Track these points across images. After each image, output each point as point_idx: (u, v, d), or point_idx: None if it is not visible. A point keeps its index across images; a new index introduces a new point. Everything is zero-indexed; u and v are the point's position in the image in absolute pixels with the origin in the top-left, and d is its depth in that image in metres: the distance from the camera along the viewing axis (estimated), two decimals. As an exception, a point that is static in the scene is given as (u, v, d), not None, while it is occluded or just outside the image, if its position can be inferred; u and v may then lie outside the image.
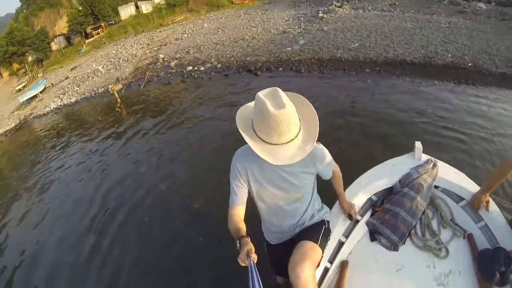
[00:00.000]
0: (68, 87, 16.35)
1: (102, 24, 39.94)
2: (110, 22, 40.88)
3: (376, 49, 10.23)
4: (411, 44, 10.39)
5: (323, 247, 1.80)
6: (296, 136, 1.43)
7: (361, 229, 2.53)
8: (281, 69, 9.83)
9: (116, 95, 9.71)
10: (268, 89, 1.46)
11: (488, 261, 2.22)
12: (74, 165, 7.01)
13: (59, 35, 39.43)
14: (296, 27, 14.12)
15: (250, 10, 22.87)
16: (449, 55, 9.64)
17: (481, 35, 11.61)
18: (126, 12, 39.45)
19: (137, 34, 25.00)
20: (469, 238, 2.48)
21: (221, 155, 4.64)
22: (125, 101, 10.03)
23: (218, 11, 26.73)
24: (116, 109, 9.41)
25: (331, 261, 2.25)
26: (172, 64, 11.96)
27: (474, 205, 2.50)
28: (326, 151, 1.84)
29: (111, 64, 17.02)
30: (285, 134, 1.40)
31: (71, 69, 21.51)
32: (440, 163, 2.78)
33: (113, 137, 7.79)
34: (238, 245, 1.52)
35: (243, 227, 1.66)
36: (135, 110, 9.04)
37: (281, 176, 1.72)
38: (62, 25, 40.72)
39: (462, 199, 2.67)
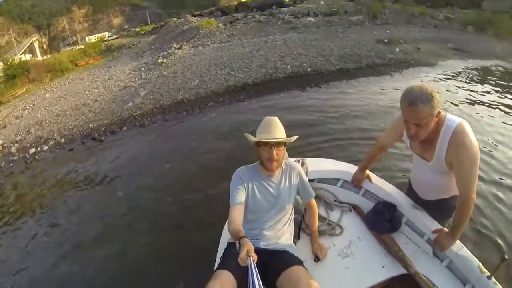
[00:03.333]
0: None
1: None
2: None
3: (217, 80, 11.07)
4: (251, 67, 11.40)
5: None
6: (279, 138, 2.11)
7: None
8: (125, 128, 9.93)
9: None
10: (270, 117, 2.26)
11: (375, 218, 2.50)
12: None
13: None
14: (137, 78, 14.48)
15: (94, 69, 22.69)
16: (288, 66, 11.02)
17: (314, 43, 13.51)
18: (-46, 91, 34.82)
19: (-30, 120, 22.49)
20: (355, 208, 2.75)
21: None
22: None
23: (62, 77, 25.75)
24: None
25: None
26: (13, 149, 11.10)
27: (356, 183, 2.83)
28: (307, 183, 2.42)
29: None
30: (272, 132, 2.12)
31: None
32: (307, 160, 3.09)
33: None
34: (237, 245, 1.68)
35: (242, 228, 1.90)
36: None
37: (270, 192, 2.23)
38: None
39: (338, 180, 2.98)
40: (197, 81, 11.40)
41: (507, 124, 6.40)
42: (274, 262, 2.02)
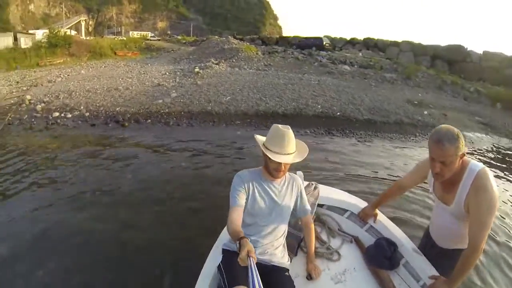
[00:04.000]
0: None
1: (-30, 48, 36.08)
2: (-20, 49, 37.02)
3: (248, 102, 11.41)
4: (282, 98, 11.78)
5: None
6: (292, 153, 2.13)
7: None
8: (149, 121, 10.24)
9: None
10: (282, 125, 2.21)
11: (375, 252, 2.53)
12: None
13: None
14: (171, 80, 14.98)
15: (131, 62, 23.53)
16: (319, 106, 11.39)
17: (347, 90, 13.91)
18: (2, 42, 36.09)
19: (9, 70, 23.29)
20: (356, 240, 2.78)
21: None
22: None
23: (99, 60, 26.80)
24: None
25: None
26: (39, 107, 11.51)
27: (362, 218, 2.86)
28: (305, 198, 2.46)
29: (-35, 96, 15.08)
30: (286, 147, 2.09)
31: None
32: (321, 186, 3.11)
33: None
34: (237, 245, 1.70)
35: (241, 229, 1.90)
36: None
37: (270, 196, 2.24)
38: None
39: (346, 211, 3.05)
40: (229, 97, 11.80)
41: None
42: (269, 281, 1.95)
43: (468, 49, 28.66)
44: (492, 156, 9.27)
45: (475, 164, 1.98)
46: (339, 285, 2.33)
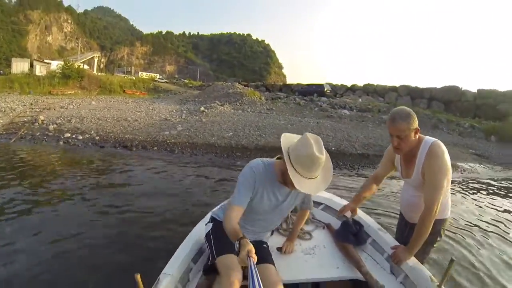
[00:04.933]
0: None
1: (-12, 69, 37.41)
2: (-2, 71, 38.38)
3: (249, 138, 11.98)
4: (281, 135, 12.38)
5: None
6: (317, 176, 1.91)
7: None
8: (156, 148, 10.83)
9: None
10: (313, 135, 1.96)
11: (341, 229, 2.71)
12: None
13: None
14: (177, 117, 15.80)
15: (139, 100, 24.75)
16: None
17: (343, 129, 14.47)
18: (19, 67, 37.51)
19: (22, 94, 24.25)
20: (329, 227, 2.99)
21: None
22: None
23: (109, 96, 27.97)
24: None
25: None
26: (51, 127, 12.21)
27: (342, 212, 2.75)
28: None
29: (-17, 110, 15.95)
30: (314, 172, 1.86)
31: None
32: None
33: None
34: (237, 245, 1.65)
35: (239, 228, 1.84)
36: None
37: (277, 199, 2.12)
38: None
39: (321, 204, 3.33)
40: (231, 133, 12.48)
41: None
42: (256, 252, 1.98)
43: (463, 89, 29.73)
44: (483, 181, 9.62)
45: (429, 138, 2.24)
46: (307, 256, 2.53)
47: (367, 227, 2.77)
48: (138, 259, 3.67)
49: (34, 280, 3.26)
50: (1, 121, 13.69)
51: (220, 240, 2.05)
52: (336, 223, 3.00)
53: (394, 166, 2.61)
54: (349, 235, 2.61)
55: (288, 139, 2.05)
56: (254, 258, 1.54)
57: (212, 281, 2.12)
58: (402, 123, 2.13)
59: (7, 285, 3.17)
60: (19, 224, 4.60)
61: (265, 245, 2.30)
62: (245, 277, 1.77)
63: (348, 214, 2.74)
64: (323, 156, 1.87)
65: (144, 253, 3.80)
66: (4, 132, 12.01)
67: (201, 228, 2.52)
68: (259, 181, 2.02)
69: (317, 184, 1.91)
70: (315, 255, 2.55)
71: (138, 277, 1.60)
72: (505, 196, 8.17)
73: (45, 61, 46.37)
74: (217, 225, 2.18)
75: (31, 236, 4.19)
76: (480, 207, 6.97)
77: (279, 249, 2.53)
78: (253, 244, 1.96)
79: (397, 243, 2.45)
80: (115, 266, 3.53)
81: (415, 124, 2.15)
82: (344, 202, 3.12)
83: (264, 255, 2.10)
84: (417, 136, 2.21)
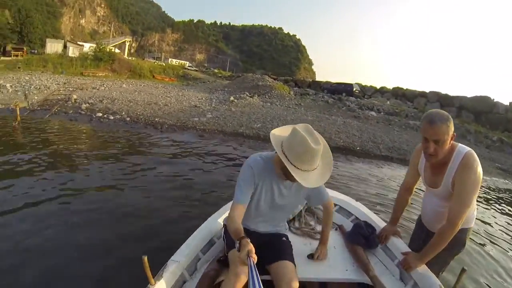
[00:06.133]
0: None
1: (24, 48, 38.40)
2: (33, 51, 39.42)
3: None
4: None
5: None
6: (317, 166, 1.83)
7: None
8: (185, 133, 10.74)
9: (18, 112, 9.51)
10: (302, 125, 1.84)
11: (353, 230, 2.64)
12: None
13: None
14: (207, 104, 15.81)
15: (168, 86, 24.90)
16: (341, 140, 11.80)
17: (369, 131, 14.28)
18: (53, 47, 38.68)
19: (55, 74, 24.78)
20: (341, 228, 2.91)
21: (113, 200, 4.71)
22: (26, 122, 9.62)
23: (138, 80, 28.32)
24: (14, 124, 9.03)
25: (218, 238, 2.50)
26: (83, 106, 12.36)
27: (383, 236, 2.61)
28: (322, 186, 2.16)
29: (20, 87, 16.56)
30: (313, 164, 1.78)
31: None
32: None
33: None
34: (237, 245, 1.64)
35: (242, 227, 1.82)
36: (33, 134, 8.44)
37: (281, 193, 2.07)
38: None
39: (335, 205, 3.16)
40: (260, 124, 12.39)
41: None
42: (270, 248, 2.07)
43: (495, 100, 28.49)
44: (503, 196, 9.38)
45: (463, 147, 2.06)
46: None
47: (379, 231, 2.67)
48: (152, 245, 3.55)
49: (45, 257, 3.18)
50: (36, 97, 13.96)
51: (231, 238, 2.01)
52: (348, 225, 2.93)
53: (418, 168, 2.42)
54: (360, 237, 2.56)
55: (277, 136, 1.93)
56: (254, 258, 1.52)
57: (219, 273, 2.12)
58: (442, 126, 1.93)
59: (27, 262, 3.09)
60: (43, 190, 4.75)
61: (284, 238, 2.27)
62: None
63: (388, 239, 2.59)
64: (321, 146, 1.80)
65: (159, 239, 3.68)
66: (39, 108, 12.16)
67: (214, 220, 2.58)
68: (259, 176, 1.99)
69: (320, 174, 1.87)
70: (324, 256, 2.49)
71: (145, 259, 1.61)
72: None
73: (78, 43, 47.41)
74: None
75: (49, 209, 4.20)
76: (495, 217, 6.87)
77: (310, 256, 2.41)
78: (270, 237, 2.16)
79: (408, 250, 2.36)
80: (130, 249, 3.47)
81: (453, 128, 1.98)
82: (360, 205, 3.18)
83: (281, 250, 2.12)
84: (450, 143, 2.03)
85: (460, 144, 2.08)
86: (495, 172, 12.43)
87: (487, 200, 8.40)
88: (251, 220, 2.15)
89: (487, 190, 9.63)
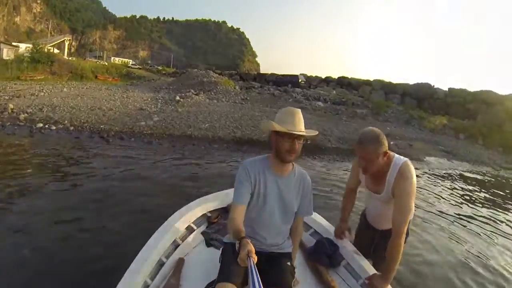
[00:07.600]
0: None
1: (-51, 54, 35.52)
2: (-40, 57, 36.50)
3: (225, 129, 12.15)
4: (258, 127, 12.43)
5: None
6: (303, 130, 1.98)
7: (197, 237, 2.78)
8: (133, 139, 10.67)
9: None
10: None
11: (315, 248, 2.61)
12: None
13: None
14: (153, 106, 15.68)
15: (112, 87, 24.03)
16: None
17: (318, 123, 14.79)
18: (-16, 50, 36.03)
19: (-13, 81, 23.21)
20: (300, 244, 2.69)
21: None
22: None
23: (80, 82, 27.21)
24: None
25: (167, 256, 2.41)
26: (22, 117, 11.79)
27: (339, 235, 2.77)
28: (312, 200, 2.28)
29: None
30: (297, 125, 1.95)
31: None
32: None
33: None
34: (237, 245, 1.63)
35: (243, 228, 1.83)
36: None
37: (279, 189, 2.10)
38: None
39: None
40: (208, 125, 12.55)
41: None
42: (272, 270, 2.02)
43: (435, 87, 30.93)
44: (448, 174, 10.69)
45: (399, 158, 2.26)
46: None
47: (342, 248, 2.65)
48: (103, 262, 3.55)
49: None
50: (-34, 110, 12.99)
51: (225, 265, 1.99)
52: (308, 240, 2.89)
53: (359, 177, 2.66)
54: (324, 257, 2.53)
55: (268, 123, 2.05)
56: (254, 258, 1.51)
57: None
58: (370, 148, 2.15)
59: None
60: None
61: (288, 263, 2.14)
62: None
63: (348, 237, 2.77)
64: (299, 110, 2.05)
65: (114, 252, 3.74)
66: (-31, 123, 11.39)
67: (156, 239, 2.44)
68: (254, 172, 2.06)
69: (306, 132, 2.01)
70: None
71: None
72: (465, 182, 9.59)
73: (13, 44, 44.62)
74: (227, 247, 2.14)
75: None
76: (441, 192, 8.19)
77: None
78: (274, 260, 2.09)
79: (372, 269, 2.40)
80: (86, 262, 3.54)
81: (384, 148, 2.17)
82: (318, 217, 3.13)
83: (283, 277, 2.00)
84: (386, 157, 2.23)
85: (396, 155, 2.28)
86: (440, 155, 13.65)
87: (435, 178, 9.57)
88: (253, 234, 2.10)
89: (435, 169, 10.98)
